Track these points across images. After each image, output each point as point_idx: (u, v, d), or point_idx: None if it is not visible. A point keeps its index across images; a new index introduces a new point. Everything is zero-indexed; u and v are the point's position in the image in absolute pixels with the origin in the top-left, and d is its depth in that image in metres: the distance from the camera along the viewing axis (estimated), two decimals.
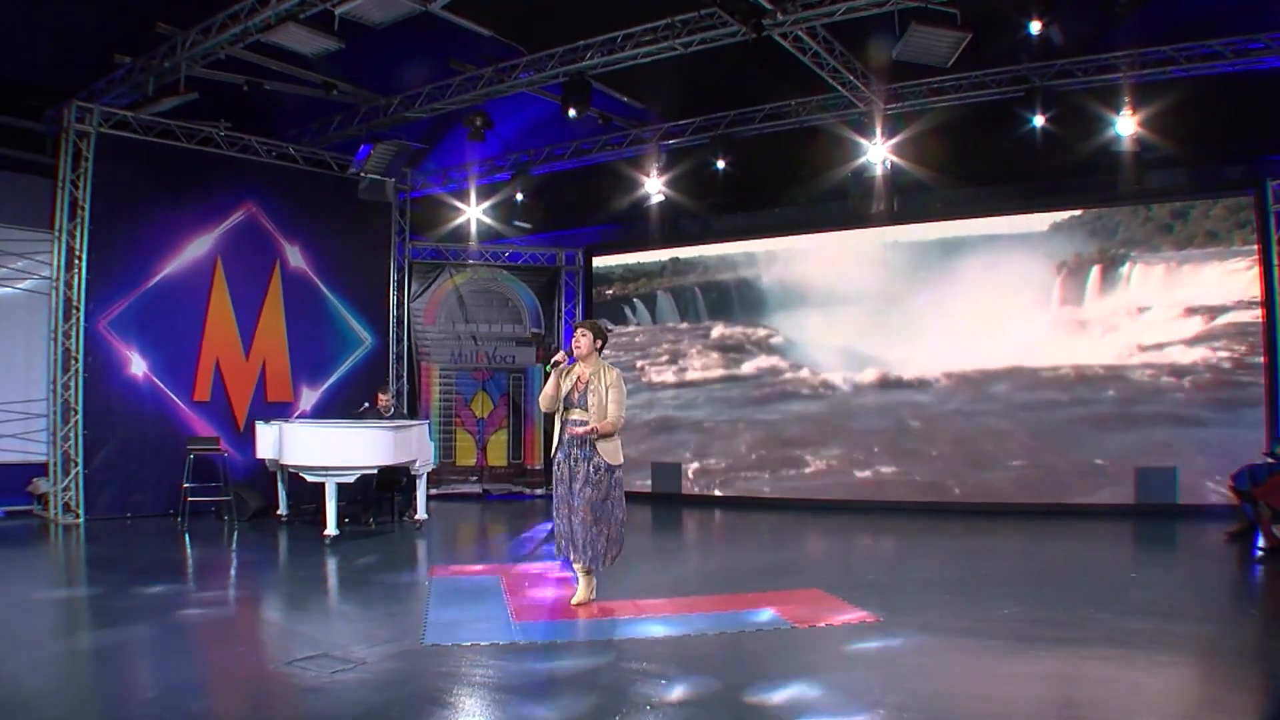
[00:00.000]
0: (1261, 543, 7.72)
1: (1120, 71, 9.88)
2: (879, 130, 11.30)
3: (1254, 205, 9.73)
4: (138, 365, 10.35)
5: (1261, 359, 9.64)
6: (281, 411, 11.26)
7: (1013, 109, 10.38)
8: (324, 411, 11.67)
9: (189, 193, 10.74)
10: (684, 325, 13.17)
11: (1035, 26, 8.30)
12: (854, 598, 6.39)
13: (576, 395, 6.03)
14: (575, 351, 6.06)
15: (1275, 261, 9.56)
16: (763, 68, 10.94)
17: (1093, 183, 10.60)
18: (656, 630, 5.58)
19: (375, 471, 9.14)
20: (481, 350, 13.58)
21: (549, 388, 6.10)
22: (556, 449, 6.13)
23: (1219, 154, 9.97)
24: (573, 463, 6.03)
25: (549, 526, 11.06)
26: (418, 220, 13.77)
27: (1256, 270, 9.74)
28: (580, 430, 5.93)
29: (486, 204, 14.03)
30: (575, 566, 6.15)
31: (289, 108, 11.82)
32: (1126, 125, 9.93)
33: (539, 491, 13.63)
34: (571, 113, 10.50)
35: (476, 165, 14.20)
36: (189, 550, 8.67)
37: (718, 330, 12.89)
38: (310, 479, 8.82)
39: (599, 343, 6.14)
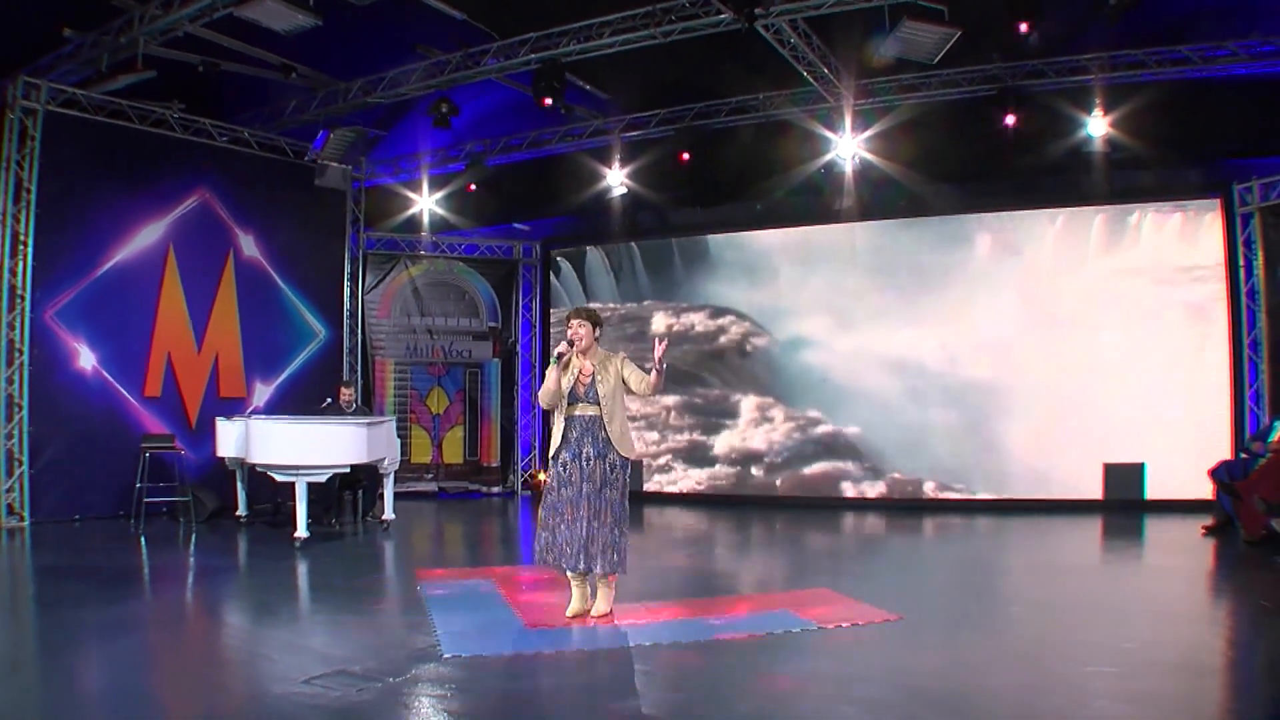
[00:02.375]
0: (1243, 534, 7.93)
1: (1091, 73, 10.05)
2: (848, 125, 11.30)
3: (1220, 208, 9.99)
4: (86, 358, 9.77)
5: (1227, 358, 9.91)
6: (234, 407, 10.76)
7: (985, 107, 10.51)
8: (277, 407, 11.18)
9: (140, 177, 10.16)
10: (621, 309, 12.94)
11: (1024, 28, 8.34)
12: (866, 597, 6.35)
13: (582, 389, 5.74)
14: (575, 343, 5.74)
15: (1240, 263, 9.84)
16: (730, 61, 10.86)
17: (1063, 182, 10.78)
18: (681, 635, 5.41)
19: (348, 470, 8.78)
20: (437, 344, 13.22)
21: (549, 383, 5.77)
22: (560, 448, 5.79)
23: (1188, 157, 10.20)
24: (584, 462, 5.71)
25: (520, 526, 10.93)
26: (368, 211, 13.32)
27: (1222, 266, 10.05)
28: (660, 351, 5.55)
29: (439, 194, 13.68)
30: (597, 576, 5.76)
31: (241, 90, 11.30)
32: (1098, 126, 10.10)
33: (495, 489, 13.38)
34: (548, 101, 10.24)
35: (429, 155, 13.84)
36: (152, 555, 8.20)
37: (661, 319, 12.65)
38: (280, 478, 8.42)
39: (597, 331, 5.85)
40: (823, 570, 7.87)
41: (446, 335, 13.27)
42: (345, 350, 12.44)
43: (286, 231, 11.61)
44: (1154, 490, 10.14)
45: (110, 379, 9.93)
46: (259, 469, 8.54)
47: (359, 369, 12.62)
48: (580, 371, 5.76)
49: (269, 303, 11.44)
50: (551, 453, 5.87)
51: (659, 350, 5.58)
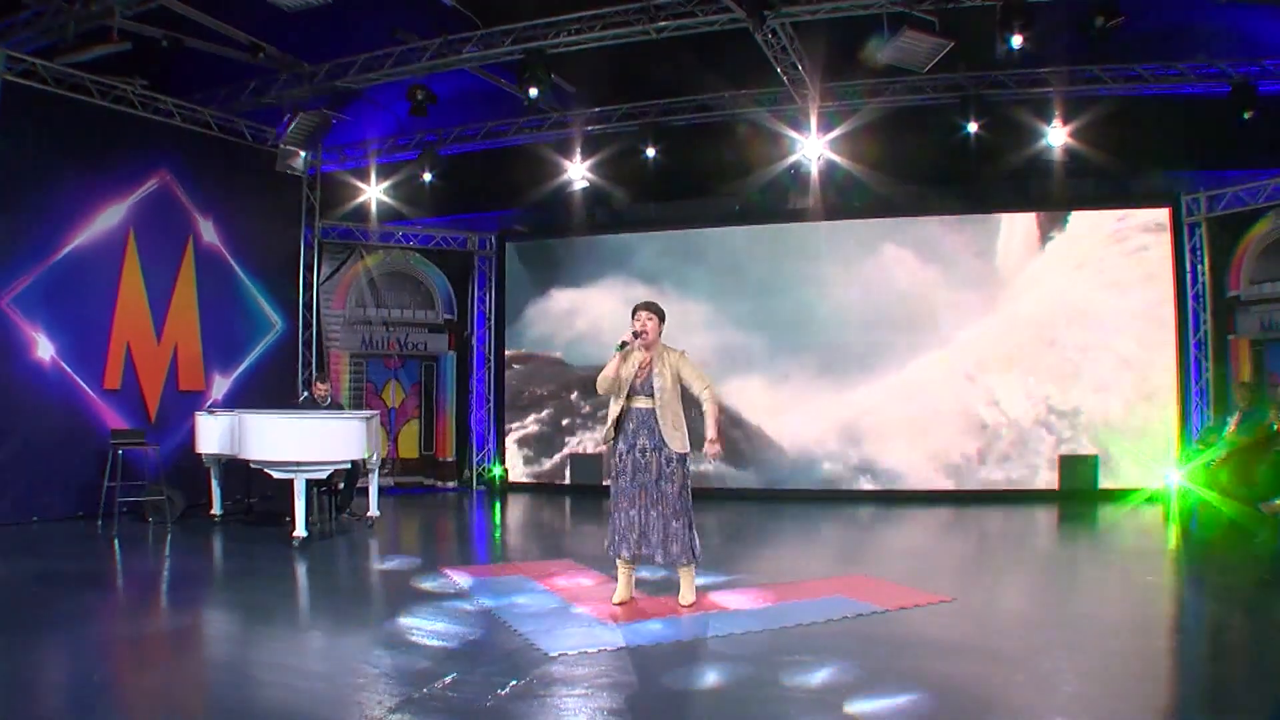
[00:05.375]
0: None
1: (1051, 86, 10.60)
2: (814, 126, 11.57)
3: (1169, 217, 10.72)
4: (44, 348, 9.10)
5: (1174, 358, 10.65)
6: (193, 401, 10.29)
7: (948, 114, 10.96)
8: (236, 401, 10.68)
9: (101, 156, 9.55)
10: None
11: (1016, 40, 8.73)
12: (903, 581, 6.57)
13: (640, 382, 5.75)
14: (642, 336, 5.74)
15: (1187, 269, 10.59)
16: (696, 59, 10.96)
17: (1023, 188, 11.34)
18: (768, 623, 5.47)
19: (349, 466, 8.51)
20: (393, 337, 12.89)
21: (610, 370, 5.72)
22: (616, 437, 5.81)
23: (1140, 168, 10.88)
24: (639, 454, 5.74)
25: (497, 520, 10.76)
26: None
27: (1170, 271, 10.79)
28: (712, 452, 5.69)
29: (386, 184, 13.35)
30: (677, 566, 5.86)
31: (196, 68, 10.71)
32: (1057, 136, 10.67)
33: (450, 484, 13.15)
34: (533, 92, 10.13)
35: (376, 142, 13.47)
36: (142, 560, 7.69)
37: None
38: (278, 475, 8.07)
39: (662, 326, 5.87)
40: (837, 558, 8.06)
41: (402, 327, 12.95)
42: (301, 342, 11.99)
43: (245, 218, 11.10)
44: (1105, 481, 10.78)
45: (69, 370, 9.29)
46: (254, 465, 8.17)
47: (314, 361, 12.18)
48: (640, 364, 5.78)
49: (228, 292, 10.93)
50: (606, 440, 5.89)
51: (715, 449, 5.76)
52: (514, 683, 4.39)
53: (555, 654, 4.86)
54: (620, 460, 5.81)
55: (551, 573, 7.06)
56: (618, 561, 5.89)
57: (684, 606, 5.77)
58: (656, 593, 6.13)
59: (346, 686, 4.44)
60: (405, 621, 5.77)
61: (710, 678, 4.62)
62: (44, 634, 5.33)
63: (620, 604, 5.81)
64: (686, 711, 4.20)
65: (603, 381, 5.78)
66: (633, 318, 5.82)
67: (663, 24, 9.56)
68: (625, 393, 5.77)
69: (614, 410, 5.81)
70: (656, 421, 5.74)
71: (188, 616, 5.97)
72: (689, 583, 5.86)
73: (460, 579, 6.81)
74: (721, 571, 7.02)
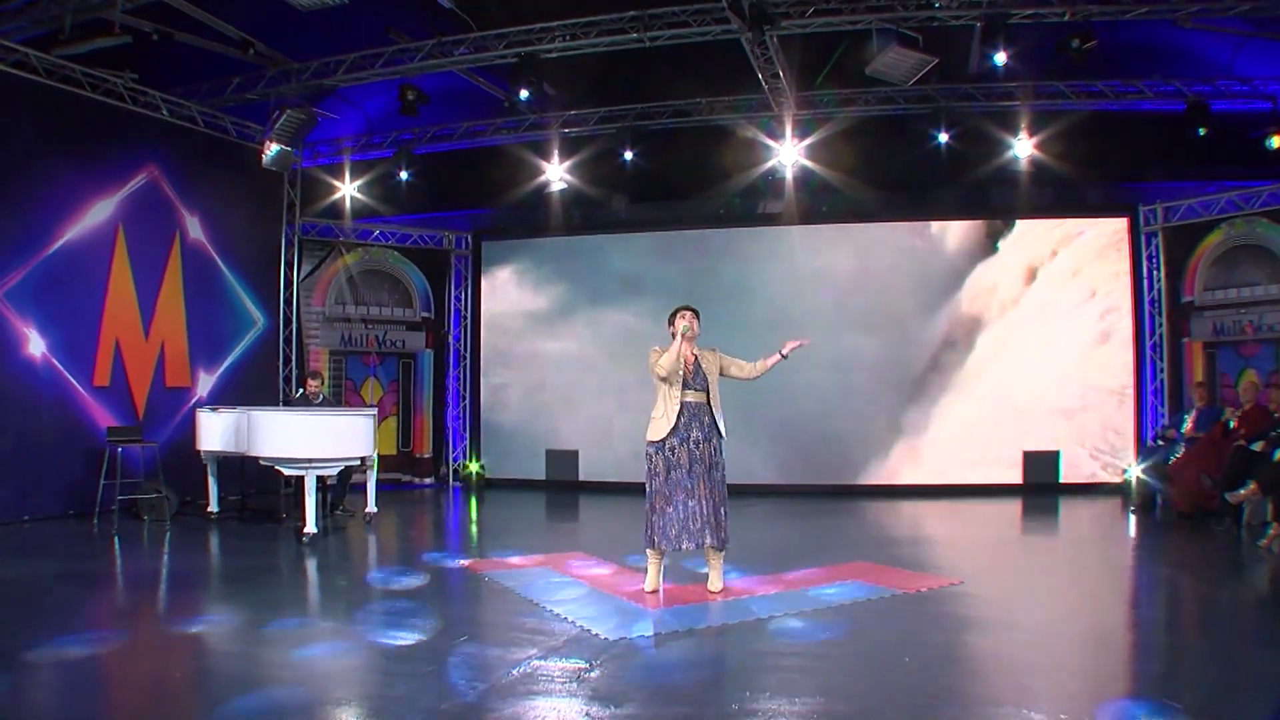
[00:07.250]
0: (1174, 509, 9.16)
1: (1017, 99, 11.13)
2: (789, 133, 11.94)
3: (1128, 226, 11.37)
4: (36, 345, 8.96)
5: (1131, 359, 11.30)
6: (180, 398, 10.26)
7: (919, 124, 11.44)
8: (220, 398, 10.64)
9: (91, 149, 9.44)
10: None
11: (1000, 57, 9.19)
12: (907, 567, 6.96)
13: (689, 376, 6.06)
14: (688, 332, 6.05)
15: (1144, 275, 11.25)
16: (676, 65, 11.24)
17: (985, 196, 11.88)
18: (802, 605, 5.77)
19: (358, 462, 8.60)
20: (371, 334, 12.91)
21: (671, 356, 5.99)
22: (670, 433, 6.00)
23: (1101, 179, 11.50)
24: (693, 445, 5.99)
25: (488, 514, 10.85)
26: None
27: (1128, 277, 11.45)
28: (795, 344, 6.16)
29: (361, 181, 13.35)
30: (711, 553, 6.13)
31: (180, 63, 10.63)
32: (1023, 147, 11.22)
33: (427, 481, 13.22)
34: (524, 93, 10.28)
35: (349, 140, 13.46)
36: (150, 560, 7.64)
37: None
38: (288, 472, 8.13)
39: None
40: (833, 549, 8.36)
41: (381, 325, 12.98)
42: (281, 339, 11.95)
43: (228, 214, 11.03)
44: (1066, 475, 11.37)
45: (59, 367, 9.15)
46: (264, 463, 8.18)
47: (295, 358, 12.14)
48: (685, 361, 6.07)
49: (213, 289, 10.85)
50: (655, 437, 6.05)
51: (795, 344, 6.11)
52: (590, 668, 4.57)
53: (615, 639, 5.06)
54: (674, 454, 6.00)
55: (569, 563, 7.26)
56: (648, 551, 6.12)
57: (715, 593, 6.05)
58: (681, 581, 6.38)
59: (426, 675, 4.52)
60: (452, 612, 5.93)
61: (771, 654, 4.89)
62: (119, 633, 5.40)
63: (652, 591, 6.06)
64: (768, 681, 4.40)
65: (666, 363, 5.99)
66: (678, 316, 6.11)
67: (657, 33, 9.80)
68: (679, 389, 6.02)
69: (671, 408, 6.03)
70: (708, 412, 6.07)
71: (235, 615, 6.01)
72: (719, 570, 6.16)
73: (486, 570, 6.97)
74: (729, 561, 7.31)
